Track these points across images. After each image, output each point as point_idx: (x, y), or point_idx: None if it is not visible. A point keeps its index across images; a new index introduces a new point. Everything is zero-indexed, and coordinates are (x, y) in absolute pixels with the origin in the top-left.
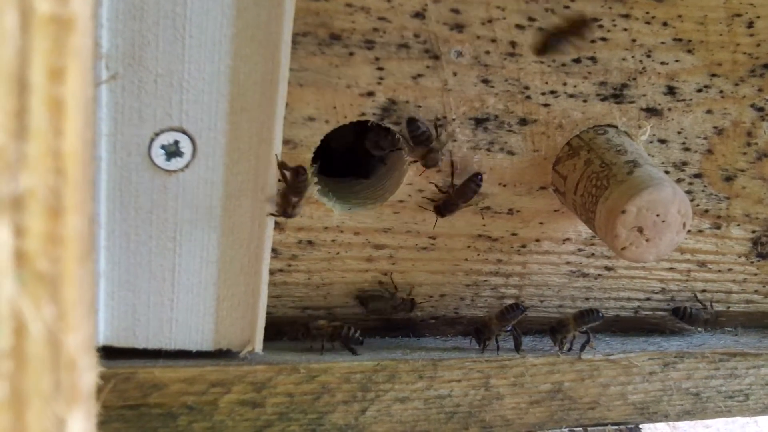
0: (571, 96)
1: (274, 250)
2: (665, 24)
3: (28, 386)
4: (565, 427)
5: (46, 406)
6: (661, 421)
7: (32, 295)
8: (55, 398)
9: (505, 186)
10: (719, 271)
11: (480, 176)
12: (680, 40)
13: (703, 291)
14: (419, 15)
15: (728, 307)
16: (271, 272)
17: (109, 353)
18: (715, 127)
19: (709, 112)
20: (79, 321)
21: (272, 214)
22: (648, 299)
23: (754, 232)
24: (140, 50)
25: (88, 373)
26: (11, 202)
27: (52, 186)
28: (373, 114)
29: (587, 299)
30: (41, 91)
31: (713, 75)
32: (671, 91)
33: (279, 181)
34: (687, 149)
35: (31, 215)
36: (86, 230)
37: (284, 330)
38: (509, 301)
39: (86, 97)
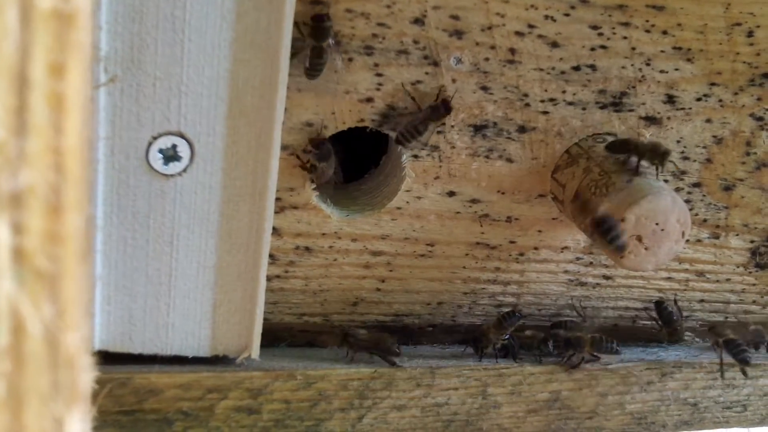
0: (570, 104)
1: (271, 256)
2: (665, 32)
3: (26, 385)
4: None
5: (44, 405)
6: (658, 431)
7: (31, 293)
8: (53, 398)
9: (503, 194)
10: (717, 281)
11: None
12: (680, 48)
13: (702, 301)
14: (419, 21)
15: (726, 317)
16: (268, 278)
17: (104, 358)
18: (715, 137)
19: (708, 121)
20: (78, 320)
21: None
22: (646, 308)
23: (752, 242)
24: (139, 53)
25: (87, 373)
26: (11, 199)
27: (52, 183)
28: (372, 120)
29: (585, 308)
30: (42, 87)
31: (713, 84)
32: (670, 99)
33: None
34: (686, 158)
35: (30, 212)
36: (85, 229)
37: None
38: (507, 309)
39: (86, 94)
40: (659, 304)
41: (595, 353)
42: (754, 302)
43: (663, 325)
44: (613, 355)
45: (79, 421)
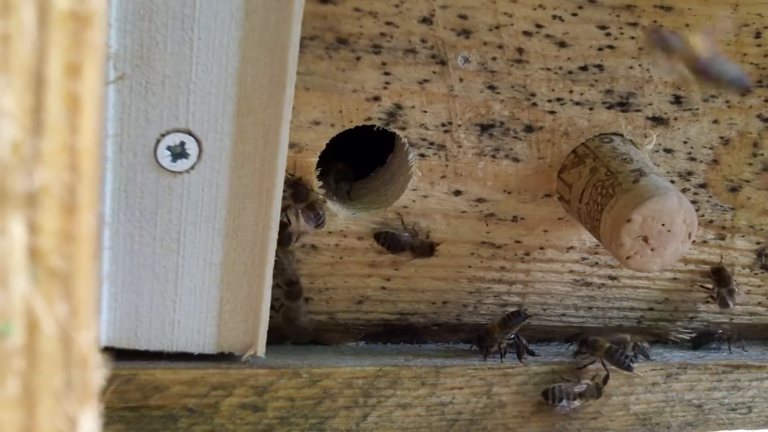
0: (578, 104)
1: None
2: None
3: (40, 384)
4: None
5: (58, 403)
6: None
7: (45, 292)
8: (66, 396)
9: (509, 193)
10: None
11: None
12: None
13: (707, 302)
14: (426, 20)
15: (731, 319)
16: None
17: (111, 354)
18: (721, 137)
19: (715, 122)
20: (90, 318)
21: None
22: (651, 309)
23: (758, 243)
24: (148, 51)
25: (98, 371)
26: (26, 199)
27: (67, 183)
28: (379, 119)
29: (590, 308)
30: (58, 87)
31: None
32: (677, 100)
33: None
34: (692, 159)
35: (45, 212)
36: (96, 228)
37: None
38: (512, 309)
39: (100, 93)
40: (718, 271)
41: (605, 362)
42: (759, 304)
43: (719, 287)
44: (623, 370)
45: (91, 419)
